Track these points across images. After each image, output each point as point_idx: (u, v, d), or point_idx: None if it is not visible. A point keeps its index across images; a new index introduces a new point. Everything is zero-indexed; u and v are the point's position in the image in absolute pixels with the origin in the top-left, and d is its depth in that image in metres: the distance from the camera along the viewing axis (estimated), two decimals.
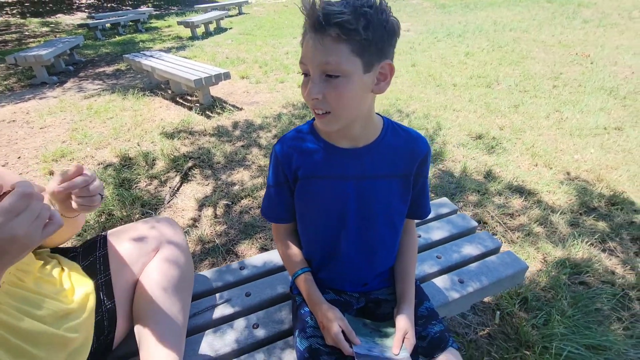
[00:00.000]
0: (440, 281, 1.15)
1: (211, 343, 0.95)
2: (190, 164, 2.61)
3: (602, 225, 1.98)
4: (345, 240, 0.88)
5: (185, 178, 2.49)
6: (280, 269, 1.21)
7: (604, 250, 1.82)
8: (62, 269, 0.82)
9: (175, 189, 2.36)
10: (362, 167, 0.82)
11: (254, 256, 1.26)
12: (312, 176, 0.83)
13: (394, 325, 0.85)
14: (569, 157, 2.64)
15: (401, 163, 0.83)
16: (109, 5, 12.33)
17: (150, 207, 2.18)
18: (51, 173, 2.57)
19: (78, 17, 10.36)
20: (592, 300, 1.51)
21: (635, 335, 1.38)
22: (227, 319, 1.04)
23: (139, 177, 2.49)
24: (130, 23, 8.73)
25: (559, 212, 2.06)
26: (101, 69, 5.38)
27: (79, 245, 0.96)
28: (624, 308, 1.50)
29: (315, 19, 0.61)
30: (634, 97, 3.65)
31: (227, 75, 3.54)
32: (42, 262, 0.80)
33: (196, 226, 2.06)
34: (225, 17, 8.90)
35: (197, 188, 2.40)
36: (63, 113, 3.65)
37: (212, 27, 8.10)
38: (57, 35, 7.82)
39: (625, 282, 1.62)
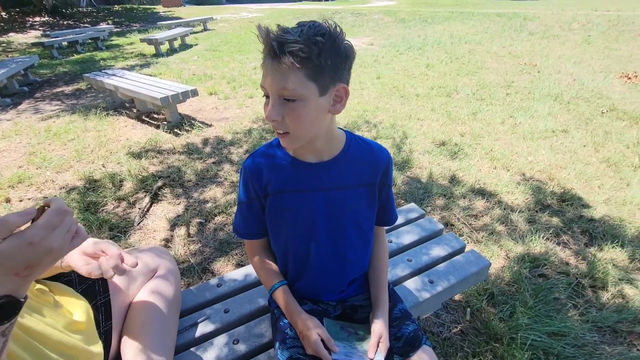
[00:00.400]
0: (412, 283, 1.22)
1: None
2: (159, 183, 2.56)
3: (555, 220, 2.15)
4: (318, 251, 0.92)
5: (155, 198, 2.44)
6: (258, 283, 1.23)
7: (558, 244, 1.97)
8: (51, 291, 0.81)
9: (145, 209, 2.30)
10: (329, 179, 0.86)
11: (231, 272, 1.27)
12: (281, 191, 0.87)
13: (369, 329, 0.90)
14: (524, 159, 2.86)
15: (366, 173, 0.89)
16: (65, 23, 11.86)
17: (119, 230, 2.10)
18: (7, 200, 2.42)
19: (32, 36, 9.87)
20: (550, 291, 1.64)
21: (590, 320, 1.51)
22: (208, 337, 1.03)
23: (106, 199, 2.40)
24: (90, 41, 8.45)
25: (517, 211, 2.22)
26: (59, 89, 5.16)
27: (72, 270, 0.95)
28: (579, 295, 1.64)
29: (270, 47, 0.65)
30: (576, 102, 4.01)
31: (194, 92, 3.52)
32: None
33: (169, 246, 2.01)
34: (190, 33, 8.84)
35: (168, 208, 2.35)
36: (18, 136, 3.45)
37: (176, 43, 8.02)
38: (10, 55, 7.41)
39: (579, 272, 1.76)
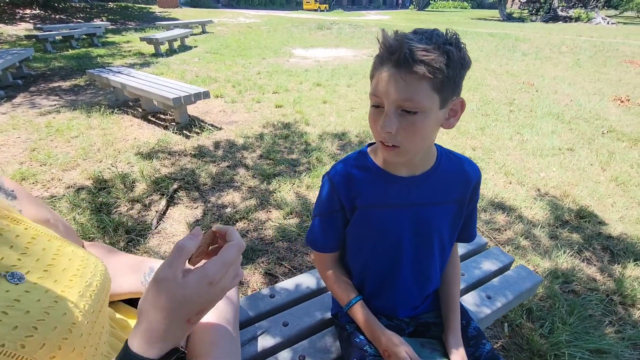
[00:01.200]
0: (470, 298, 1.19)
1: None
2: (175, 185, 2.47)
3: (576, 237, 2.19)
4: (402, 267, 0.88)
5: (171, 201, 2.34)
6: (314, 294, 1.18)
7: (582, 260, 2.00)
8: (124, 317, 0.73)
9: (162, 212, 2.21)
10: (420, 194, 0.81)
11: (282, 282, 1.21)
12: (371, 205, 0.82)
13: (443, 345, 0.88)
14: (536, 175, 2.91)
15: (456, 189, 0.84)
16: (57, 17, 11.55)
17: (136, 234, 2.00)
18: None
19: (22, 28, 9.55)
20: (584, 307, 1.65)
21: (627, 337, 1.52)
22: (269, 353, 0.97)
23: (119, 200, 2.29)
24: (85, 36, 8.24)
25: (539, 226, 2.24)
26: (56, 84, 4.97)
27: None
28: (612, 312, 1.65)
29: (402, 55, 0.60)
30: (577, 122, 4.15)
31: (206, 94, 3.45)
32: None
33: None
34: (190, 35, 8.74)
35: (185, 211, 2.26)
36: (16, 131, 3.28)
37: (176, 44, 7.92)
38: None
39: (607, 288, 1.79)
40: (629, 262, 1.97)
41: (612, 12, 26.37)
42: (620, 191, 2.72)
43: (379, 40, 0.64)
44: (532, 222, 2.29)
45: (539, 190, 2.69)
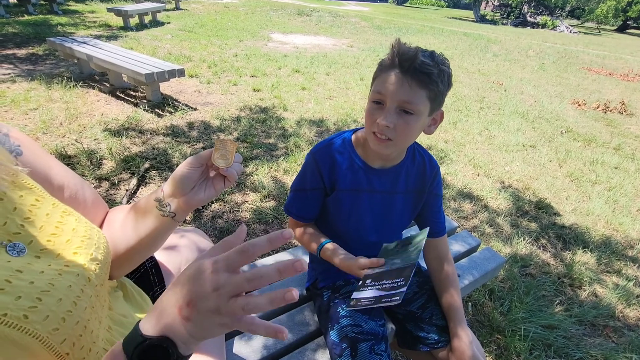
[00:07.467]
0: None
1: (239, 351, 0.90)
2: (147, 164, 2.37)
3: (534, 225, 2.36)
4: (367, 235, 0.99)
5: (142, 180, 2.25)
6: None
7: (539, 247, 2.16)
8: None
9: (132, 191, 2.12)
10: (387, 184, 0.94)
11: (262, 259, 1.22)
12: (347, 189, 0.93)
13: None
14: (501, 169, 3.09)
15: (417, 181, 0.96)
16: None
17: None
18: None
19: None
20: (539, 288, 1.79)
21: (574, 314, 1.68)
22: None
23: (84, 177, 2.17)
24: (43, 2, 7.58)
25: (502, 215, 2.39)
26: (10, 51, 4.55)
27: None
28: (562, 293, 1.82)
29: (411, 64, 0.71)
30: (539, 121, 4.42)
31: (181, 72, 3.31)
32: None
33: None
34: (162, 10, 8.28)
35: None
36: None
37: (147, 19, 7.48)
38: None
39: (559, 272, 1.95)
40: (579, 249, 2.16)
41: (575, 21, 28.01)
42: (574, 186, 2.96)
43: (393, 48, 0.74)
44: (496, 211, 2.44)
45: (503, 182, 2.86)
